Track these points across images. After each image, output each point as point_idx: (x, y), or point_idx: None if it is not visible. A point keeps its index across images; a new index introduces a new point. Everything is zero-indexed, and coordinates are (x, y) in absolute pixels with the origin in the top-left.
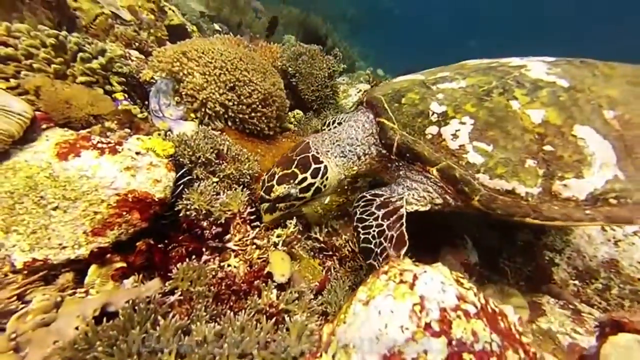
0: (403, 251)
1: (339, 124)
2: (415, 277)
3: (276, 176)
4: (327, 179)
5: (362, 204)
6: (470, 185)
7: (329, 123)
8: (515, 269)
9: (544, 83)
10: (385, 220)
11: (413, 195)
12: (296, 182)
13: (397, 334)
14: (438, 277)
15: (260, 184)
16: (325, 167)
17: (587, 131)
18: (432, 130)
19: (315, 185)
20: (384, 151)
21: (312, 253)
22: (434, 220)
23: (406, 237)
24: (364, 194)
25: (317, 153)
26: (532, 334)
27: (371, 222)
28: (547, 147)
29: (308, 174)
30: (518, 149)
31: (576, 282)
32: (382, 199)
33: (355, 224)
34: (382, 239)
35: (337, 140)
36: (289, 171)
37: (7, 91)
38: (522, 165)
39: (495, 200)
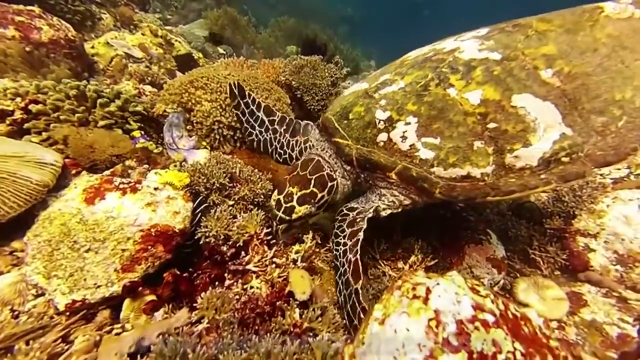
0: (358, 284)
1: (304, 129)
2: (428, 291)
3: (295, 197)
4: (335, 193)
5: (339, 218)
6: (428, 181)
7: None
8: (548, 258)
9: (477, 62)
10: (349, 241)
11: (384, 201)
12: (315, 201)
13: (416, 354)
14: (451, 288)
15: (274, 203)
16: (337, 182)
17: (526, 98)
18: (382, 137)
19: (328, 200)
20: (348, 167)
21: (332, 264)
22: (455, 218)
23: (360, 267)
24: (342, 207)
25: (331, 170)
26: (576, 327)
27: (340, 239)
28: (491, 125)
29: (325, 192)
30: (463, 134)
31: (617, 267)
32: (354, 213)
33: (332, 238)
34: (344, 259)
35: (335, 158)
36: (308, 191)
37: (41, 144)
38: (470, 148)
39: (454, 188)
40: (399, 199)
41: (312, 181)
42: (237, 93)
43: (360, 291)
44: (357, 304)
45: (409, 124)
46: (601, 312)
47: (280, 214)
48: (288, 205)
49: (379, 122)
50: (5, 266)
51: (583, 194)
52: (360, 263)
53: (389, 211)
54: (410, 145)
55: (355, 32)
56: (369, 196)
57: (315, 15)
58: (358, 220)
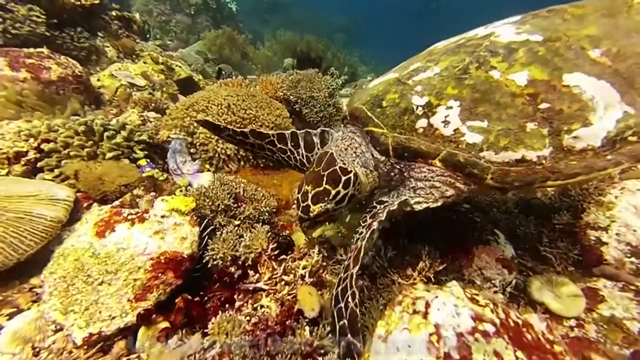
0: (355, 269)
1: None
2: (427, 305)
3: (309, 195)
4: (359, 184)
5: (367, 210)
6: (478, 166)
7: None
8: (560, 254)
9: (517, 44)
10: (364, 230)
11: (420, 194)
12: (330, 198)
13: None
14: (450, 300)
15: (295, 203)
16: (355, 174)
17: (579, 77)
18: (422, 123)
19: (350, 194)
20: (383, 158)
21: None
22: (461, 219)
23: (360, 255)
24: (373, 200)
25: (344, 164)
26: (595, 324)
27: (360, 228)
28: (543, 105)
29: (340, 188)
30: (513, 115)
31: (633, 259)
32: (381, 206)
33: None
34: (354, 246)
35: (355, 148)
36: (321, 189)
37: (53, 180)
38: (523, 131)
39: (509, 173)
40: (441, 190)
41: (325, 178)
42: (212, 127)
43: (354, 276)
44: (348, 288)
45: (451, 107)
46: (619, 307)
47: (300, 213)
48: (304, 204)
49: (417, 108)
50: (26, 303)
51: (589, 186)
52: (361, 253)
53: (424, 205)
54: (455, 130)
55: (352, 39)
56: (401, 189)
57: (311, 26)
58: (379, 212)
